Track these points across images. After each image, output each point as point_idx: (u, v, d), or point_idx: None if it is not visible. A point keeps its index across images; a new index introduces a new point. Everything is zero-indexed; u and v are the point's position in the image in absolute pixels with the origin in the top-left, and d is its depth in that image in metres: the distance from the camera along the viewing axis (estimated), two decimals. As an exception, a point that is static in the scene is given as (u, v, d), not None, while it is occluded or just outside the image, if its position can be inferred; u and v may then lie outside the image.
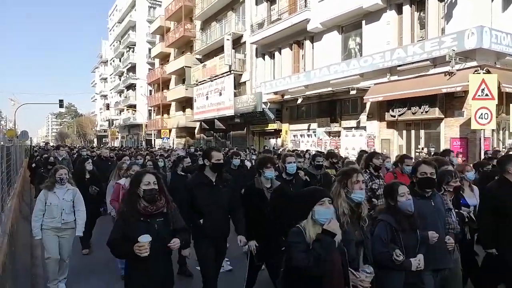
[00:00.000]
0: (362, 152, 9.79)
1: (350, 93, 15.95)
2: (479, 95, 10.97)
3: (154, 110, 42.83)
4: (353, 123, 17.33)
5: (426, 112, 13.72)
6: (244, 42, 24.31)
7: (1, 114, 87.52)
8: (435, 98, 13.29)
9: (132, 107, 46.68)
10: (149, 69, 44.12)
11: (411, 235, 3.09)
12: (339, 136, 18.27)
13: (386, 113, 15.19)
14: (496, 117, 11.55)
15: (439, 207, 3.47)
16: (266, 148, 21.28)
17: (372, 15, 15.69)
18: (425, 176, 3.43)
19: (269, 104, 21.61)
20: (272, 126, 22.15)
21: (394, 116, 14.79)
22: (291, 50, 20.77)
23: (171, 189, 4.74)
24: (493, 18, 12.66)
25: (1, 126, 54.92)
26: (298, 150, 13.35)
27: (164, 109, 37.86)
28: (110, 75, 61.39)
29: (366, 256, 2.85)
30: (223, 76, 25.07)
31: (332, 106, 18.26)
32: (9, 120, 67.49)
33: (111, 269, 5.72)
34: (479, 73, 11.85)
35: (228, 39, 24.04)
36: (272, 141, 23.14)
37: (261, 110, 21.73)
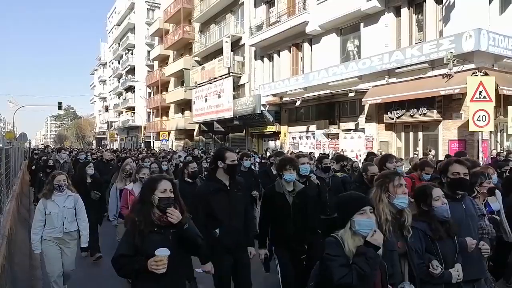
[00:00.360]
0: (370, 154, 9.59)
1: (349, 95, 16.00)
2: (477, 98, 11.01)
3: (153, 112, 42.84)
4: (351, 125, 17.37)
5: (424, 114, 13.76)
6: (243, 45, 24.36)
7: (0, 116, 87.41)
8: (433, 101, 13.34)
9: (131, 109, 46.69)
10: (148, 71, 44.16)
11: (448, 243, 2.76)
12: (337, 138, 18.30)
13: (384, 115, 15.23)
14: (494, 119, 11.60)
15: (471, 211, 3.15)
16: (267, 149, 21.36)
17: (371, 18, 15.75)
18: (458, 176, 3.10)
19: (268, 106, 21.64)
20: (271, 128, 22.18)
21: (393, 118, 14.83)
22: (290, 52, 20.81)
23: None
24: (491, 21, 12.71)
25: (-1, 128, 54.82)
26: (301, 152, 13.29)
27: (163, 111, 37.88)
28: (109, 77, 61.43)
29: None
30: (222, 79, 25.10)
31: (331, 108, 18.29)
32: (7, 123, 67.49)
33: (115, 275, 5.60)
34: (477, 75, 11.89)
35: (227, 42, 24.09)
36: (271, 143, 23.16)
37: (260, 112, 21.75)
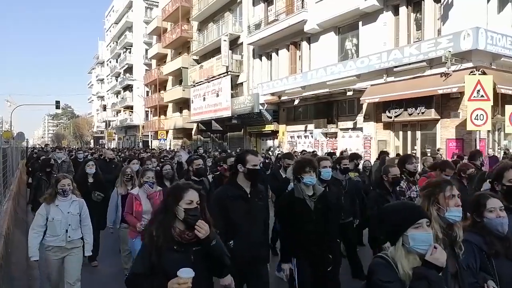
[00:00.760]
0: (383, 154, 9.15)
1: (347, 94, 16.01)
2: (474, 96, 11.04)
3: (151, 111, 42.77)
4: (349, 124, 17.38)
5: (422, 113, 13.77)
6: (241, 43, 24.33)
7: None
8: (431, 99, 13.35)
9: (129, 108, 46.60)
10: (146, 70, 44.06)
11: (506, 263, 2.39)
12: (336, 137, 18.31)
13: (382, 114, 15.24)
14: (492, 118, 11.62)
15: None
16: (270, 148, 21.36)
17: (369, 16, 15.74)
18: None
19: (266, 105, 21.64)
20: (269, 127, 22.17)
21: (391, 117, 14.84)
22: (288, 51, 20.80)
23: None
24: (489, 20, 12.72)
25: (-3, 127, 54.66)
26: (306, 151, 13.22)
27: (161, 110, 37.83)
28: (107, 76, 61.30)
29: None
30: (220, 77, 25.07)
31: (329, 107, 18.29)
32: (5, 122, 67.27)
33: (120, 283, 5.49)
34: (474, 74, 11.91)
35: (225, 40, 24.06)
36: (269, 142, 23.16)
37: (258, 111, 21.75)
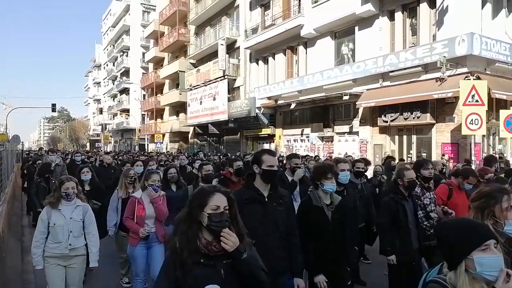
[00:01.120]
0: (389, 159, 8.86)
1: (343, 99, 16.09)
2: (469, 101, 11.11)
3: (147, 115, 42.70)
4: (346, 128, 17.45)
5: (418, 117, 13.85)
6: (238, 47, 24.40)
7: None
8: (426, 104, 13.44)
9: (126, 111, 46.51)
10: (143, 73, 44.07)
11: None
12: (332, 141, 18.36)
13: (378, 118, 15.32)
14: (486, 122, 11.70)
15: None
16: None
17: (365, 21, 15.85)
18: None
19: (262, 109, 21.69)
20: (265, 131, 22.20)
21: (387, 122, 14.92)
22: (285, 55, 20.88)
23: None
24: (483, 25, 12.87)
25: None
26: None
27: (157, 113, 37.78)
28: (104, 79, 61.18)
29: None
30: (217, 81, 25.11)
31: (325, 111, 18.36)
32: (0, 124, 66.87)
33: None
34: (469, 79, 12.01)
35: (222, 44, 24.12)
36: (266, 146, 23.18)
37: (255, 115, 21.79)
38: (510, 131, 11.02)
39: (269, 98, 21.09)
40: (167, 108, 36.35)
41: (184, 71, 30.37)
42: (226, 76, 24.37)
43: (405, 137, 15.05)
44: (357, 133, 16.75)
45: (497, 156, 11.73)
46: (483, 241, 1.59)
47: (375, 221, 5.21)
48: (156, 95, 37.33)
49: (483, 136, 12.66)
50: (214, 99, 25.33)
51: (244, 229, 2.06)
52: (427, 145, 14.03)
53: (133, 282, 4.74)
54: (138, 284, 4.45)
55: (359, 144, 16.48)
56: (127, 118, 46.80)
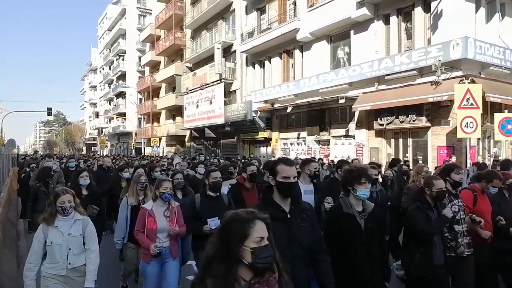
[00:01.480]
0: (395, 161, 8.06)
1: (339, 102, 16.16)
2: (464, 105, 11.19)
3: (144, 119, 42.64)
4: (342, 131, 17.50)
5: (414, 121, 13.92)
6: (235, 51, 24.46)
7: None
8: (422, 107, 13.51)
9: (122, 115, 46.44)
10: (139, 77, 44.03)
11: None
12: (328, 145, 18.41)
13: (374, 121, 15.38)
14: (481, 126, 11.78)
15: None
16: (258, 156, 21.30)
17: (360, 25, 15.94)
18: None
19: (259, 112, 21.73)
20: (262, 135, 22.23)
21: (382, 125, 14.98)
22: (281, 59, 20.94)
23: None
24: (477, 29, 12.99)
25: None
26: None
27: (154, 117, 37.74)
28: (100, 83, 61.10)
29: None
30: (213, 85, 25.13)
31: (322, 114, 18.42)
32: (-5, 128, 66.45)
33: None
34: (464, 82, 12.10)
35: (218, 48, 24.17)
36: (263, 149, 23.21)
37: (251, 118, 21.82)
38: (505, 134, 11.09)
39: (265, 101, 21.13)
40: (163, 112, 36.32)
41: (180, 75, 30.37)
42: (222, 80, 24.40)
43: (401, 140, 15.11)
44: (353, 136, 16.80)
45: (492, 159, 11.84)
46: None
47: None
48: (152, 98, 37.31)
49: (478, 139, 12.74)
50: (211, 102, 25.35)
51: (280, 260, 1.73)
52: (423, 148, 14.10)
53: None
54: None
55: (355, 147, 16.54)
56: (123, 122, 46.71)
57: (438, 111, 13.44)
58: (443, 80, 12.63)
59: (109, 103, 54.96)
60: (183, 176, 5.44)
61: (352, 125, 16.80)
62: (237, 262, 1.59)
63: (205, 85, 26.06)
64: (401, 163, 8.33)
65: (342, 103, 16.22)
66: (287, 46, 20.19)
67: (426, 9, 13.86)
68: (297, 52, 19.77)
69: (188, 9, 30.03)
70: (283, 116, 21.09)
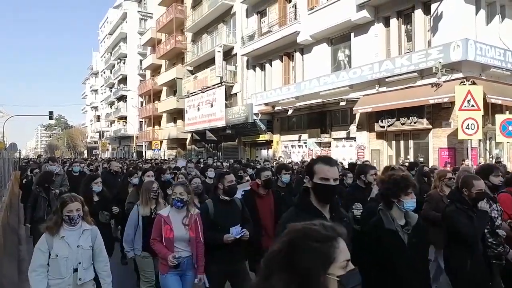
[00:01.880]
0: (413, 165, 7.67)
1: (340, 104, 16.16)
2: (465, 106, 11.16)
3: (145, 122, 42.70)
4: (343, 134, 17.50)
5: (415, 122, 13.92)
6: (235, 54, 24.51)
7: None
8: (422, 109, 13.51)
9: (123, 118, 46.51)
10: (140, 80, 44.13)
11: None
12: (329, 147, 18.40)
13: (375, 124, 15.37)
14: (483, 127, 11.75)
15: None
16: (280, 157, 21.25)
17: (361, 28, 15.97)
18: None
19: (260, 115, 21.75)
20: (263, 137, 22.24)
21: (383, 127, 14.98)
22: (282, 62, 20.98)
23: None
24: (478, 31, 13.00)
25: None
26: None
27: (155, 120, 37.78)
28: (101, 86, 61.25)
29: None
30: (214, 88, 25.17)
31: (322, 117, 18.43)
32: (-3, 132, 66.67)
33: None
34: (465, 84, 12.10)
35: (219, 51, 24.23)
36: (264, 152, 23.20)
37: (252, 121, 21.84)
38: (506, 135, 11.06)
39: (266, 104, 21.16)
40: (164, 115, 36.37)
41: (181, 78, 30.44)
42: (223, 83, 24.44)
43: (402, 142, 15.10)
44: (354, 138, 16.80)
45: (493, 160, 11.82)
46: None
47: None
48: (153, 102, 37.36)
49: (480, 140, 12.73)
50: (212, 105, 25.38)
51: None
52: (424, 150, 14.08)
53: None
54: None
55: (356, 149, 16.53)
56: (124, 125, 46.77)
57: (439, 113, 13.43)
58: (444, 82, 12.63)
59: (110, 107, 55.08)
60: (201, 181, 5.00)
61: (353, 127, 16.80)
62: None
63: (206, 88, 26.10)
64: (422, 163, 8.10)
65: (343, 106, 16.23)
66: (288, 49, 20.23)
67: (426, 11, 13.88)
68: (297, 55, 19.80)
69: (189, 12, 30.12)
70: (284, 118, 21.10)
